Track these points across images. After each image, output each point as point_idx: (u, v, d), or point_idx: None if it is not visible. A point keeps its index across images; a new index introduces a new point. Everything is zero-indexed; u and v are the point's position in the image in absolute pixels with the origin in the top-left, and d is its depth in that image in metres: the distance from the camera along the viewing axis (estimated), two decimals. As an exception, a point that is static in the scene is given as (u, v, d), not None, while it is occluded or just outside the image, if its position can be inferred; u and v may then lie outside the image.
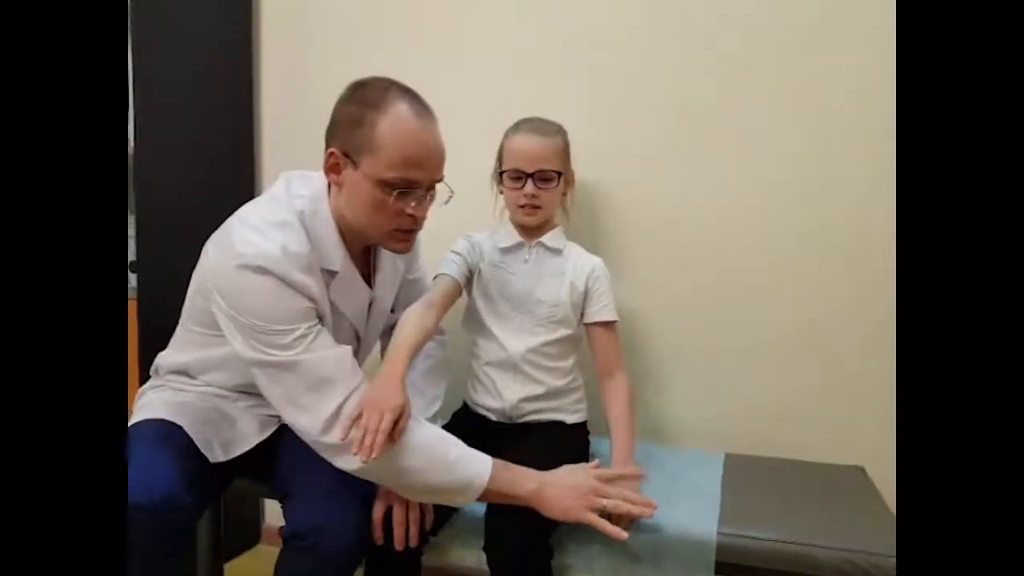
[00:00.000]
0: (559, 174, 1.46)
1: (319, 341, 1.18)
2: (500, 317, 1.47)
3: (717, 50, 1.63)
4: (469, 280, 1.50)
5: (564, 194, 1.53)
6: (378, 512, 1.24)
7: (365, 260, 1.36)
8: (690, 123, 1.66)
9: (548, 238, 1.50)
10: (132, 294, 1.75)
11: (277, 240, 1.17)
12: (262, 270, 1.14)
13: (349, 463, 1.17)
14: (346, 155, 1.20)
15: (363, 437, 1.10)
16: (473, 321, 1.51)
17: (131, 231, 1.74)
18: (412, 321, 1.32)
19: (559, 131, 1.49)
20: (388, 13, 1.88)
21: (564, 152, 1.49)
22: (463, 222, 1.54)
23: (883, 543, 1.17)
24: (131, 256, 1.76)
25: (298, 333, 1.16)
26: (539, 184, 1.44)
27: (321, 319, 1.22)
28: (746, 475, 1.49)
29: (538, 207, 1.46)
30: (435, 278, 1.47)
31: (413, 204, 1.21)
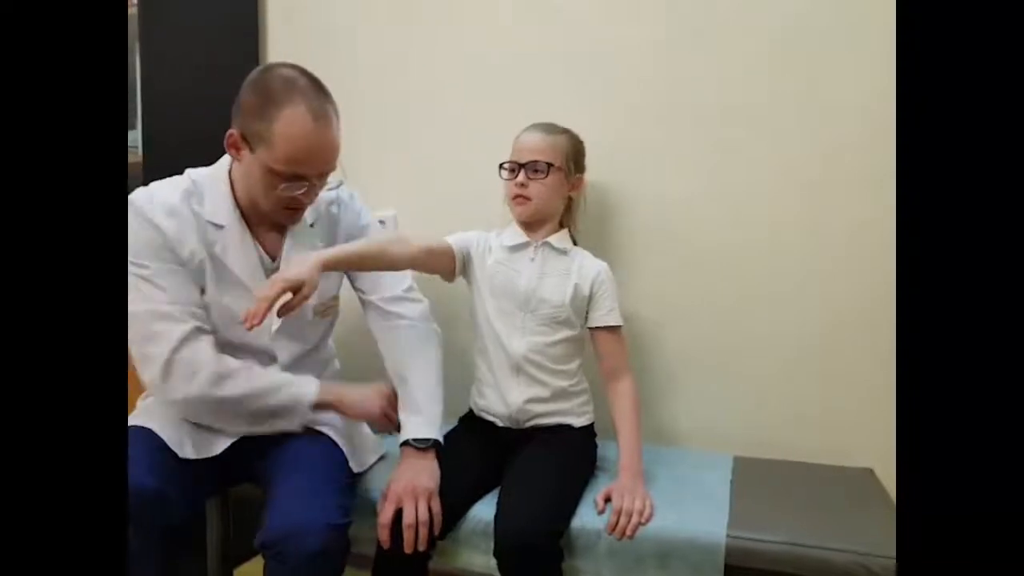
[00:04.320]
0: (549, 166, 1.45)
1: (164, 281, 1.27)
2: (504, 315, 1.47)
3: (722, 54, 1.63)
4: (466, 264, 1.51)
5: (570, 197, 1.53)
6: (386, 515, 1.25)
7: (277, 235, 1.40)
8: (695, 127, 1.66)
9: (555, 239, 1.50)
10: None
11: (151, 189, 1.32)
12: (130, 204, 1.27)
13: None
14: (244, 138, 1.28)
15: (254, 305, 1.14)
16: (478, 320, 1.51)
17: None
18: (377, 237, 1.40)
19: (564, 132, 1.50)
20: (392, 16, 1.89)
21: (565, 150, 1.48)
22: (466, 222, 1.55)
23: (893, 545, 1.15)
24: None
25: (148, 272, 1.26)
26: (529, 175, 1.45)
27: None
28: (755, 477, 1.48)
29: (528, 198, 1.46)
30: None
31: (301, 191, 1.29)
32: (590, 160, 1.56)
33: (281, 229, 1.39)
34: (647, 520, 1.26)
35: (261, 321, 1.13)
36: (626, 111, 1.70)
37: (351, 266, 1.39)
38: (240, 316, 1.16)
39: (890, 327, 1.51)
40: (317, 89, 1.27)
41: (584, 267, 1.49)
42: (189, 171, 1.37)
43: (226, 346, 1.33)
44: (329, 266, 1.25)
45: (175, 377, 1.27)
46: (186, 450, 1.29)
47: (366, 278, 1.49)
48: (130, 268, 1.26)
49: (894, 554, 1.14)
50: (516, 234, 1.51)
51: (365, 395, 1.40)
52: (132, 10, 1.71)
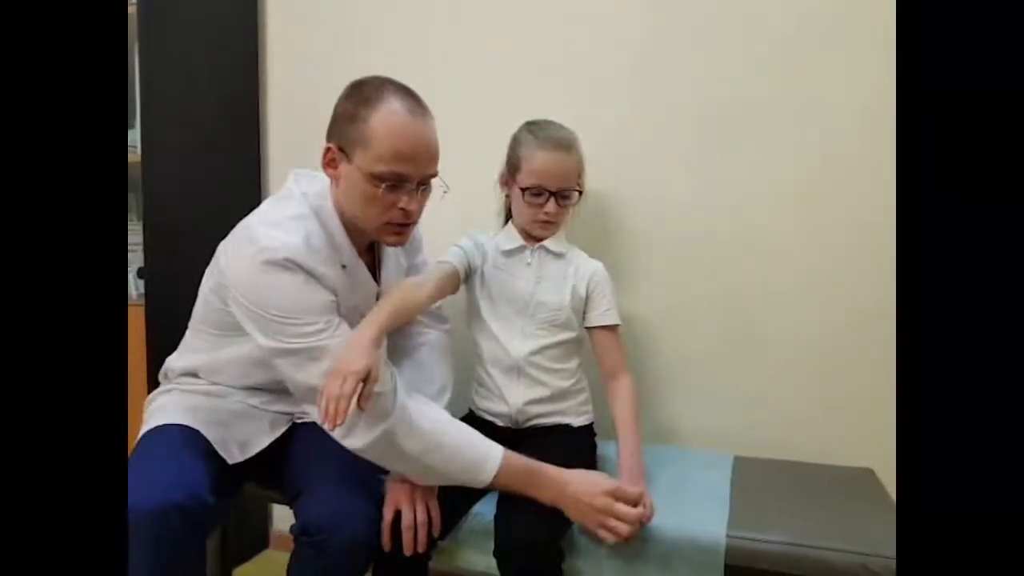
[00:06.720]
0: (579, 192, 1.47)
1: (340, 330, 1.21)
2: (502, 319, 1.47)
3: (721, 54, 1.63)
4: (469, 275, 1.50)
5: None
6: (387, 516, 1.24)
7: (370, 254, 1.38)
8: (696, 128, 1.66)
9: (551, 242, 1.49)
10: (141, 300, 1.77)
11: (299, 234, 1.20)
12: (288, 264, 1.17)
13: (354, 441, 1.18)
14: (341, 149, 1.23)
15: (326, 405, 1.08)
16: (476, 323, 1.51)
17: (139, 238, 1.75)
18: (399, 290, 1.34)
19: (575, 142, 1.47)
20: (392, 16, 1.89)
21: (582, 165, 1.48)
22: (462, 222, 1.54)
23: (893, 545, 1.16)
24: (140, 262, 1.78)
25: (319, 326, 1.19)
26: (560, 202, 1.44)
27: (339, 312, 1.25)
28: (755, 477, 1.48)
29: (554, 223, 1.46)
30: (436, 264, 1.48)
31: (404, 198, 1.23)
32: (590, 160, 1.56)
33: (372, 254, 1.38)
34: (647, 520, 1.26)
35: (342, 421, 1.07)
36: (626, 111, 1.70)
37: (391, 329, 1.28)
38: (320, 421, 1.10)
39: (890, 327, 1.53)
40: (408, 92, 1.24)
41: (580, 268, 1.49)
42: (307, 198, 1.27)
43: None
44: (378, 340, 1.19)
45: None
46: (233, 453, 1.29)
47: None
48: (296, 325, 1.18)
49: (894, 554, 1.14)
50: (513, 238, 1.50)
51: (589, 506, 1.22)
52: (132, 10, 1.71)
